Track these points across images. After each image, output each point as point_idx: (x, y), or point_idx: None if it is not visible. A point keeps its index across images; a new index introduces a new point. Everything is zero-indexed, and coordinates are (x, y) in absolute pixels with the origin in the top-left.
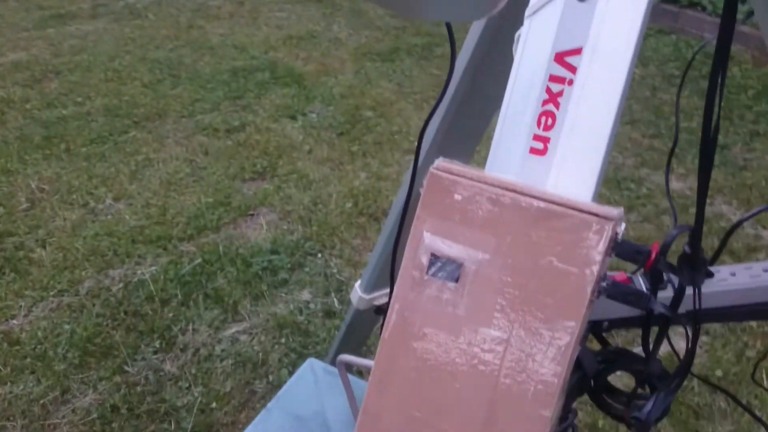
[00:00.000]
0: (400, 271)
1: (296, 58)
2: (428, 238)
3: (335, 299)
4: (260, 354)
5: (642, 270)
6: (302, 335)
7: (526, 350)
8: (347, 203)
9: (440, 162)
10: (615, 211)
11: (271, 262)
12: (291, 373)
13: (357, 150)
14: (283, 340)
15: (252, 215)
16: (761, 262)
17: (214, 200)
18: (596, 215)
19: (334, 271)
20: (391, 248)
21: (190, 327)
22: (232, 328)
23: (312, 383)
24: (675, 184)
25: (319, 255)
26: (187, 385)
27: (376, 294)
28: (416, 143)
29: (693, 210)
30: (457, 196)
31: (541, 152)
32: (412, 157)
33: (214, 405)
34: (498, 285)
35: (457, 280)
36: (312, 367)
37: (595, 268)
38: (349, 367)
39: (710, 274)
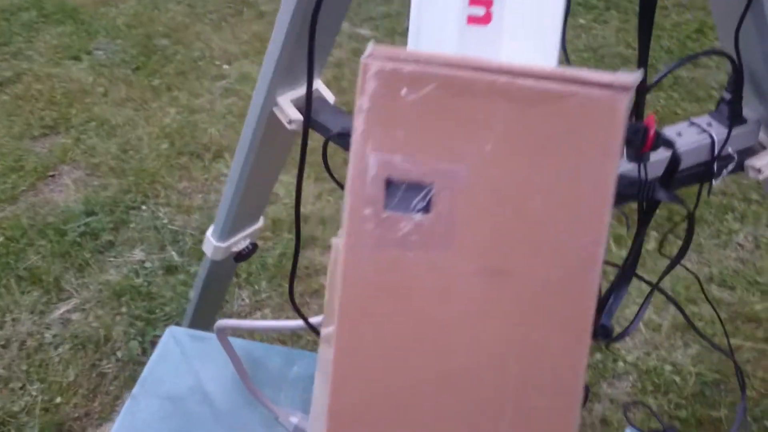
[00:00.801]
0: (345, 214)
1: None
2: (378, 160)
3: (173, 252)
4: (100, 330)
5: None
6: (145, 299)
7: (536, 290)
8: (162, 144)
9: (373, 48)
10: (631, 77)
11: (88, 225)
12: (142, 345)
13: (159, 84)
14: (123, 310)
15: (53, 176)
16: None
17: (3, 167)
18: (609, 86)
19: (165, 221)
20: (243, 188)
21: (9, 318)
22: (60, 309)
23: (179, 355)
24: None
25: (144, 207)
26: (20, 385)
27: (233, 239)
28: (228, 66)
29: None
30: (409, 93)
31: (483, 20)
32: (223, 83)
33: (59, 400)
34: (486, 206)
35: (427, 210)
36: (174, 337)
37: (617, 159)
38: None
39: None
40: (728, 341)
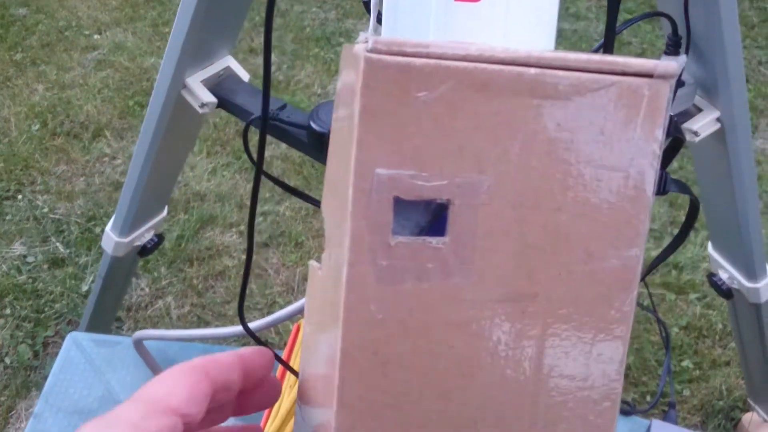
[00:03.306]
0: (346, 240)
1: None
2: (385, 176)
3: (58, 243)
4: None
5: None
6: (31, 297)
7: (565, 314)
8: (33, 125)
9: (372, 37)
10: (674, 63)
11: None
12: (33, 348)
13: (22, 59)
14: (7, 311)
15: None
16: None
17: None
18: (647, 75)
19: (45, 210)
20: (147, 177)
21: None
22: None
23: (84, 363)
24: None
25: (20, 196)
26: None
27: (136, 233)
28: (98, 36)
29: None
30: (422, 92)
31: None
32: (95, 54)
33: None
34: (510, 223)
35: (443, 231)
36: (76, 343)
37: (657, 159)
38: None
39: None
40: (649, 291)
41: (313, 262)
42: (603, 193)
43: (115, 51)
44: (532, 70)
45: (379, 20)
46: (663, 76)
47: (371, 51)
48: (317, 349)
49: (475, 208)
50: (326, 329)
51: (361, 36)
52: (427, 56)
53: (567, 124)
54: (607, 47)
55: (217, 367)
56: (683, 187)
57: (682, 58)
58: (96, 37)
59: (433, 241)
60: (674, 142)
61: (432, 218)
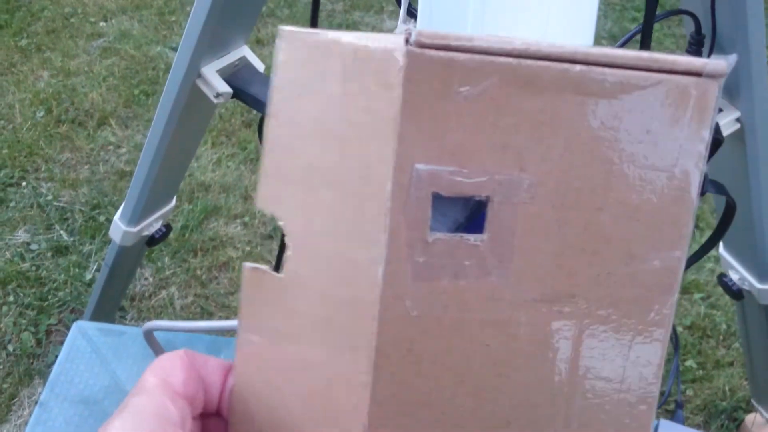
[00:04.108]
0: (382, 236)
1: None
2: (426, 172)
3: (62, 231)
4: None
5: None
6: (34, 285)
7: (603, 315)
8: (38, 112)
9: (415, 30)
10: (723, 62)
11: None
12: (36, 336)
13: (28, 45)
14: (11, 299)
15: None
16: None
17: None
18: (696, 74)
19: (50, 197)
20: (159, 166)
21: None
22: None
23: (90, 353)
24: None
25: (24, 183)
26: None
27: (145, 223)
28: (104, 24)
29: None
30: (465, 87)
31: None
32: (100, 42)
33: None
34: (550, 222)
35: (482, 229)
36: (82, 332)
37: (703, 160)
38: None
39: None
40: None
41: (254, 265)
42: (646, 194)
43: (120, 39)
44: (578, 67)
45: (409, 13)
46: (712, 75)
47: (419, 45)
48: (286, 360)
49: (514, 207)
50: (312, 336)
51: (401, 28)
52: (472, 51)
53: (611, 122)
54: (644, 44)
55: (202, 361)
56: (720, 188)
57: (732, 57)
58: (102, 24)
59: (471, 238)
60: (712, 143)
61: (470, 215)
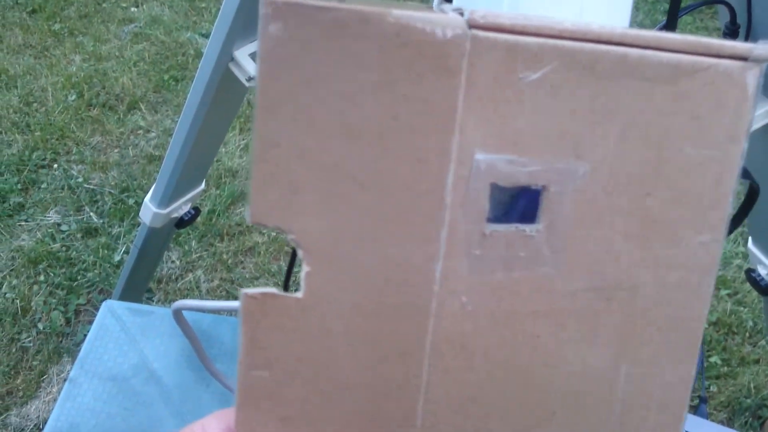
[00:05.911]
0: (442, 232)
1: None
2: (486, 162)
3: (92, 213)
4: (17, 301)
5: None
6: (64, 266)
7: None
8: (70, 96)
9: (470, 10)
10: (764, 46)
11: None
12: (65, 315)
13: (60, 29)
14: (41, 278)
15: None
16: None
17: None
18: (742, 58)
19: (80, 180)
20: (190, 149)
21: None
22: None
23: (119, 331)
24: None
25: (55, 165)
26: None
27: (175, 205)
28: (135, 9)
29: None
30: (527, 72)
31: None
32: (131, 27)
33: None
34: (602, 210)
35: (535, 219)
36: (111, 311)
37: (744, 145)
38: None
39: None
40: None
41: (256, 291)
42: (692, 178)
43: (151, 24)
44: (635, 51)
45: None
46: (758, 60)
47: (480, 27)
48: (314, 390)
49: (569, 195)
50: (350, 354)
51: (443, 5)
52: (533, 33)
53: (664, 107)
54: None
55: None
56: (745, 172)
57: None
58: (133, 9)
59: (527, 229)
60: None
61: (512, 200)
